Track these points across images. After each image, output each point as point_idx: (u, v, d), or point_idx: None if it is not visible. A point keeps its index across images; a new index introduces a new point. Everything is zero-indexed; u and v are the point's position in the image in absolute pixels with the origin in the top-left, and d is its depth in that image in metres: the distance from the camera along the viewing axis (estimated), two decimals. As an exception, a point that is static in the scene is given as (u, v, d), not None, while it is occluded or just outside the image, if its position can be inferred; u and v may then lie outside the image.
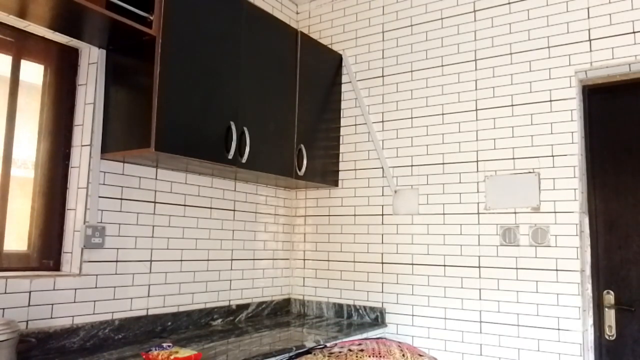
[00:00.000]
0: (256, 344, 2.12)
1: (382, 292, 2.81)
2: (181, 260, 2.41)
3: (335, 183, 3.00)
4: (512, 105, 2.53)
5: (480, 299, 2.51)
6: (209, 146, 2.16)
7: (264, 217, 2.95)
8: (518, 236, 2.44)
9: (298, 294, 3.10)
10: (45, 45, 2.06)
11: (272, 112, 2.54)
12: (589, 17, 2.37)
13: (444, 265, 2.63)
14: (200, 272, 2.51)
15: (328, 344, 2.10)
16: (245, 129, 2.31)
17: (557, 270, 2.33)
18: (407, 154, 2.82)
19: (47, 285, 1.88)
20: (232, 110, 2.28)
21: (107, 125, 2.09)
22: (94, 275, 2.03)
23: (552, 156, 2.40)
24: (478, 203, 2.57)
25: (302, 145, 2.71)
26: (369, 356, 1.85)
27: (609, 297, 2.37)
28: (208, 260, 2.56)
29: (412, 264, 2.73)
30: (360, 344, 2.03)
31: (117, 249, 2.13)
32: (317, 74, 2.94)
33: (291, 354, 1.80)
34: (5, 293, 1.75)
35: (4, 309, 1.74)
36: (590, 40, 2.36)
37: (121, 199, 2.15)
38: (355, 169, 3.01)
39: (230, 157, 2.23)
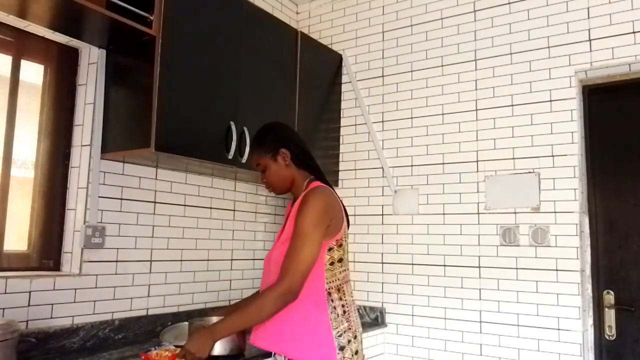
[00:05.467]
0: (256, 344, 2.11)
1: (382, 292, 2.81)
2: (181, 260, 2.41)
3: (335, 183, 3.00)
4: (512, 105, 2.53)
5: (480, 299, 2.51)
6: (209, 146, 2.15)
7: (264, 217, 2.95)
8: (518, 236, 2.44)
9: (298, 294, 3.09)
10: (45, 45, 2.06)
11: (272, 112, 2.53)
12: (589, 17, 2.37)
13: (444, 265, 2.63)
14: (200, 272, 2.51)
15: None
16: (245, 129, 2.31)
17: (557, 270, 2.33)
18: (407, 154, 2.82)
19: (47, 285, 1.88)
20: (232, 110, 2.28)
21: (107, 125, 2.08)
22: (94, 275, 2.03)
23: (552, 156, 2.39)
24: (478, 203, 2.57)
25: (302, 145, 2.70)
26: None
27: (609, 297, 2.37)
28: (208, 260, 2.56)
29: (412, 264, 2.73)
30: None
31: (117, 249, 2.12)
32: (317, 74, 2.94)
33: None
34: (5, 293, 1.75)
35: (4, 309, 1.74)
36: (590, 40, 2.36)
37: (121, 199, 2.15)
38: (355, 169, 3.01)
39: (230, 157, 2.23)
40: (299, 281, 1.53)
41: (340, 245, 1.65)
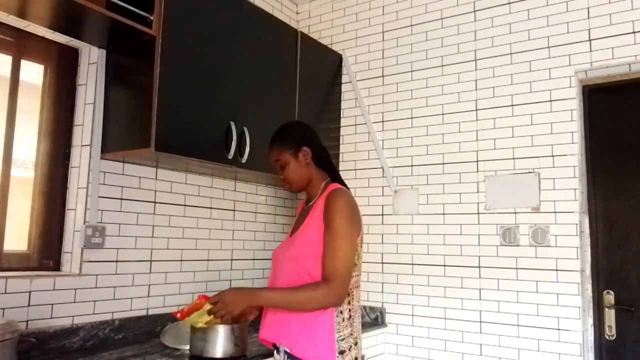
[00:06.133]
0: (256, 344, 2.11)
1: (382, 292, 2.81)
2: (181, 260, 2.41)
3: (335, 183, 3.00)
4: (512, 105, 2.53)
5: (480, 299, 2.51)
6: (209, 146, 2.15)
7: (264, 217, 2.95)
8: (518, 236, 2.44)
9: (298, 294, 3.09)
10: (45, 45, 2.06)
11: (272, 112, 2.54)
12: (589, 17, 2.37)
13: (444, 265, 2.63)
14: (200, 272, 2.51)
15: None
16: (245, 129, 2.31)
17: (557, 270, 2.33)
18: (407, 154, 2.82)
19: (47, 285, 1.88)
20: (232, 110, 2.28)
21: (107, 125, 2.08)
22: (94, 275, 2.03)
23: (552, 156, 2.39)
24: (478, 203, 2.57)
25: (302, 145, 2.70)
26: None
27: (609, 297, 2.37)
28: (208, 260, 2.56)
29: (412, 264, 2.73)
30: None
31: (117, 249, 2.13)
32: (317, 74, 2.94)
33: None
34: (5, 293, 1.75)
35: (4, 309, 1.74)
36: (590, 40, 2.36)
37: (121, 199, 2.15)
38: (355, 169, 3.00)
39: (230, 157, 2.23)
40: (348, 282, 1.55)
41: (356, 251, 1.65)
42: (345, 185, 1.75)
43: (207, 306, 1.56)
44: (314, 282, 1.55)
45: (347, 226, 1.56)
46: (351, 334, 1.60)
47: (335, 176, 1.77)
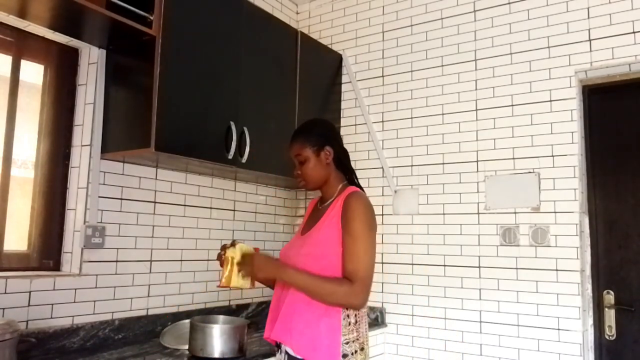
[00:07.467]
0: (256, 344, 2.12)
1: (382, 292, 2.81)
2: (181, 260, 2.41)
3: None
4: (512, 105, 2.52)
5: (480, 299, 2.51)
6: (209, 146, 2.15)
7: (264, 217, 2.95)
8: (518, 236, 2.44)
9: (298, 294, 3.09)
10: (45, 45, 2.06)
11: (272, 112, 2.54)
12: (589, 17, 2.37)
13: (444, 265, 2.63)
14: (200, 272, 2.51)
15: None
16: (245, 129, 2.31)
17: (557, 270, 2.33)
18: (407, 154, 2.82)
19: (47, 285, 1.88)
20: (232, 110, 2.28)
21: (107, 125, 2.09)
22: (94, 275, 2.03)
23: (552, 156, 2.39)
24: (478, 203, 2.57)
25: (302, 145, 2.70)
26: None
27: (609, 297, 2.37)
28: (208, 260, 2.56)
29: (412, 264, 2.73)
30: None
31: (117, 249, 2.13)
32: (317, 74, 2.94)
33: None
34: (5, 293, 1.75)
35: (4, 309, 1.74)
36: (590, 40, 2.36)
37: (121, 199, 2.15)
38: (355, 169, 2.99)
39: (230, 157, 2.23)
40: (370, 285, 1.56)
41: (376, 253, 1.65)
42: (362, 188, 1.76)
43: (238, 254, 1.59)
44: (340, 277, 1.55)
45: (367, 229, 1.58)
46: (357, 339, 1.60)
47: (352, 179, 1.77)
